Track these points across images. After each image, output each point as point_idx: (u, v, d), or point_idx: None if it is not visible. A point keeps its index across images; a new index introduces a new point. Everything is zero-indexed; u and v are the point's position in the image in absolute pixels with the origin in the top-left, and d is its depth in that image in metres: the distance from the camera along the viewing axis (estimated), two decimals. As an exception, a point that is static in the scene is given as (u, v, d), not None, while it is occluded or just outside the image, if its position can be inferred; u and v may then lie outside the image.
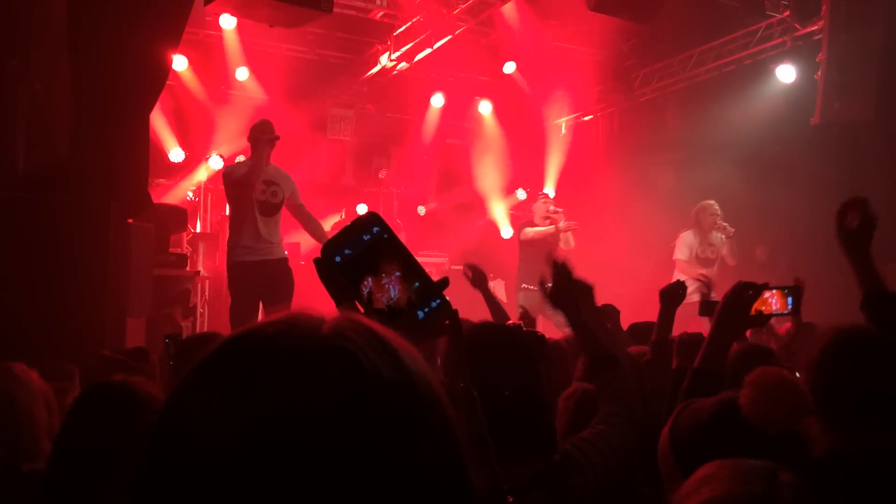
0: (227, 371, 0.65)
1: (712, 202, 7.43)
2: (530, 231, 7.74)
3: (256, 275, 5.60)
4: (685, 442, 1.55)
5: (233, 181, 5.73)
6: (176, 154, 9.48)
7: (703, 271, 6.75)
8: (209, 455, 0.61)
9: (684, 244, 7.51)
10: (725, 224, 7.23)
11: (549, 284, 2.16)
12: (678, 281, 2.95)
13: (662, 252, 8.75)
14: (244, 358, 0.66)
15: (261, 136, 5.67)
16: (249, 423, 0.61)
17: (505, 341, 1.86)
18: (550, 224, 7.67)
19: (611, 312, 3.85)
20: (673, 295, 2.93)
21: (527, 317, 3.98)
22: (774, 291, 2.24)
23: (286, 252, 6.00)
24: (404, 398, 0.65)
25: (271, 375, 0.63)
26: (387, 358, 0.66)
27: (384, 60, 9.33)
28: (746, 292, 2.05)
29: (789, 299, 2.25)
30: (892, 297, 2.07)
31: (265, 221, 5.71)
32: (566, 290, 2.12)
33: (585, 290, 2.25)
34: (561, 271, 2.14)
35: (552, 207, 7.74)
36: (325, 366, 0.64)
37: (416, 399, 0.66)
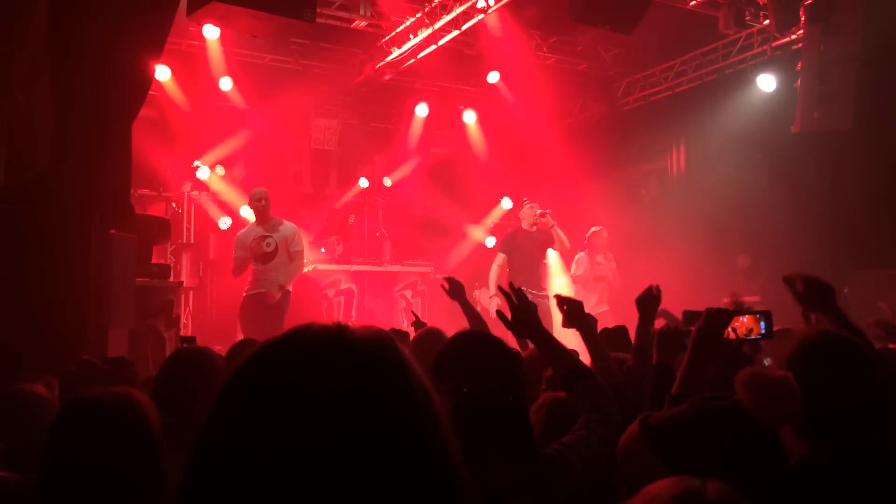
0: (298, 368, 0.74)
1: (604, 230, 8.67)
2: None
3: (253, 305, 7.26)
4: (671, 441, 1.56)
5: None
6: (165, 166, 9.43)
7: (598, 284, 8.46)
8: (290, 445, 0.69)
9: (579, 264, 8.71)
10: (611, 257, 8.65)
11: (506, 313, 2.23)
12: (651, 286, 2.85)
13: (647, 260, 8.80)
14: (309, 359, 0.74)
15: (257, 204, 7.31)
16: (332, 413, 0.70)
17: (492, 349, 1.90)
18: (535, 227, 7.79)
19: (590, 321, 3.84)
20: (649, 300, 2.81)
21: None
22: (746, 317, 2.25)
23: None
24: (428, 391, 0.78)
25: (342, 371, 0.73)
26: (405, 355, 0.79)
27: (368, 70, 9.35)
28: (718, 319, 2.04)
29: (762, 323, 2.26)
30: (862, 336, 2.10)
31: (261, 268, 7.25)
32: (524, 318, 2.19)
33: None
34: (518, 299, 2.20)
35: (539, 211, 7.83)
36: (380, 361, 0.75)
37: (431, 393, 0.79)
